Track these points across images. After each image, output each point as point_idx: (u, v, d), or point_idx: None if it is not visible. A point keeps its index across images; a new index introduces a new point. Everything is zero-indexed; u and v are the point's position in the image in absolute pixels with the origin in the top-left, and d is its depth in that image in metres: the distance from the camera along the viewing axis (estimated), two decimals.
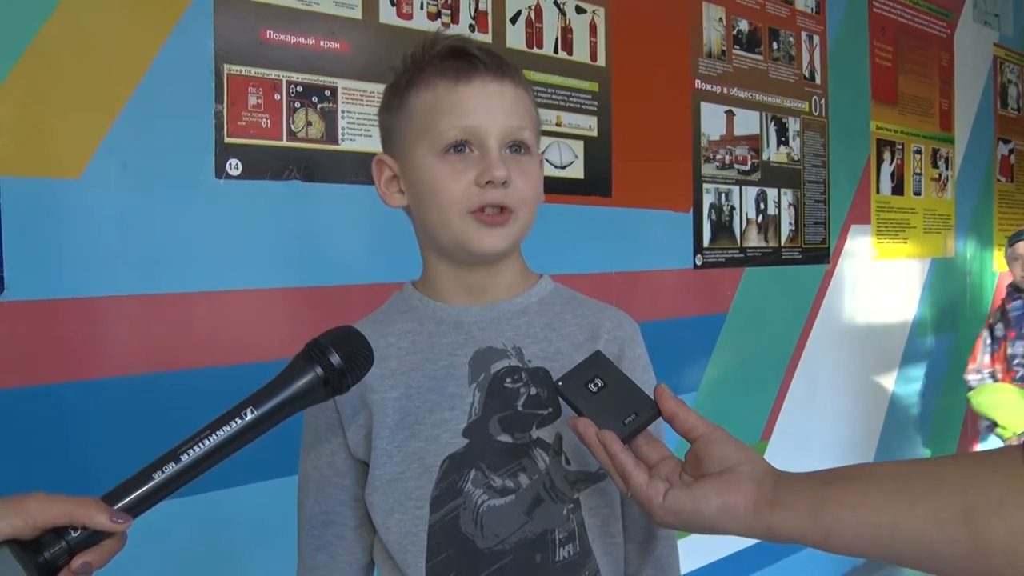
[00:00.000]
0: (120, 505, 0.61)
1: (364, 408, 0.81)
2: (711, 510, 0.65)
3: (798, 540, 0.63)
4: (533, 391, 0.79)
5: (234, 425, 0.64)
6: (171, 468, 0.62)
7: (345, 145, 1.60)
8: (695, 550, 2.21)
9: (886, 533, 0.60)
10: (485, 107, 0.78)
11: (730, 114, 2.48)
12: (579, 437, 0.71)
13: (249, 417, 0.64)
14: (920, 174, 3.30)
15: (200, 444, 0.63)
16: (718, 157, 2.43)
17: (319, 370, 0.67)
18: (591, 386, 0.73)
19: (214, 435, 0.63)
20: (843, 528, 0.61)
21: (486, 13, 1.85)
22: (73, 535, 0.59)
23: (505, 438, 0.78)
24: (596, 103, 2.09)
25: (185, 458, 0.62)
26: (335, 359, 0.67)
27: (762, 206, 2.57)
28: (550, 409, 0.79)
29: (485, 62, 0.79)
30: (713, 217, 2.41)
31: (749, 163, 2.53)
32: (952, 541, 0.57)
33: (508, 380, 0.79)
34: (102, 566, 0.61)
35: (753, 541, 2.40)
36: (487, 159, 0.77)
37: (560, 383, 0.73)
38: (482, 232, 0.77)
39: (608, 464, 0.69)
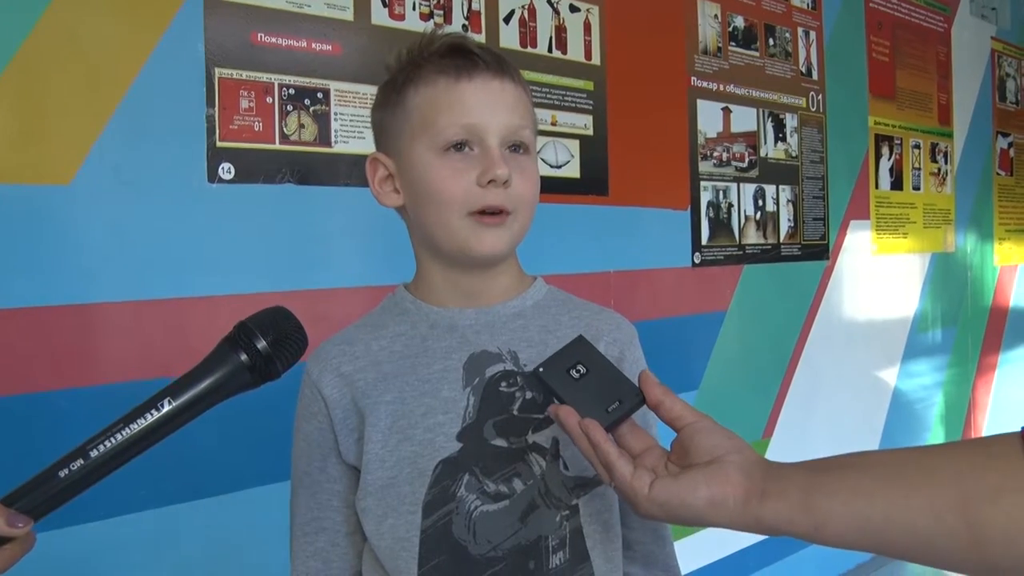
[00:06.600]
0: (20, 506, 0.57)
1: (356, 412, 0.80)
2: (699, 502, 0.62)
3: (787, 531, 0.61)
4: (528, 395, 0.78)
5: (149, 418, 0.59)
6: (78, 465, 0.58)
7: (338, 147, 1.59)
8: (696, 549, 2.20)
9: (879, 524, 0.58)
10: (486, 105, 0.76)
11: (727, 111, 2.47)
12: (560, 426, 0.69)
13: (166, 408, 0.60)
14: (919, 169, 3.28)
15: (111, 439, 0.58)
16: (715, 154, 2.42)
17: (244, 356, 0.62)
18: (573, 372, 0.70)
19: (127, 428, 0.59)
20: (835, 519, 0.59)
21: (479, 13, 1.84)
22: None
23: (500, 443, 0.77)
24: (591, 102, 2.07)
25: (95, 454, 0.58)
26: (261, 344, 0.62)
27: (760, 203, 2.56)
28: (545, 413, 0.77)
29: (485, 60, 0.78)
30: (711, 215, 2.40)
31: (747, 160, 2.52)
32: (948, 532, 0.55)
33: (503, 384, 0.78)
34: (3, 572, 0.57)
35: (755, 540, 2.40)
36: (488, 158, 0.75)
37: (541, 369, 0.70)
38: (482, 234, 0.76)
39: (591, 454, 0.67)
